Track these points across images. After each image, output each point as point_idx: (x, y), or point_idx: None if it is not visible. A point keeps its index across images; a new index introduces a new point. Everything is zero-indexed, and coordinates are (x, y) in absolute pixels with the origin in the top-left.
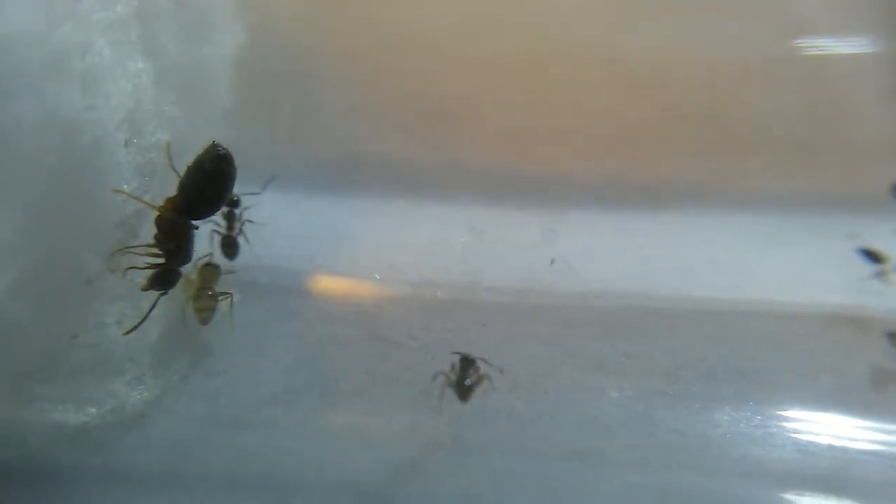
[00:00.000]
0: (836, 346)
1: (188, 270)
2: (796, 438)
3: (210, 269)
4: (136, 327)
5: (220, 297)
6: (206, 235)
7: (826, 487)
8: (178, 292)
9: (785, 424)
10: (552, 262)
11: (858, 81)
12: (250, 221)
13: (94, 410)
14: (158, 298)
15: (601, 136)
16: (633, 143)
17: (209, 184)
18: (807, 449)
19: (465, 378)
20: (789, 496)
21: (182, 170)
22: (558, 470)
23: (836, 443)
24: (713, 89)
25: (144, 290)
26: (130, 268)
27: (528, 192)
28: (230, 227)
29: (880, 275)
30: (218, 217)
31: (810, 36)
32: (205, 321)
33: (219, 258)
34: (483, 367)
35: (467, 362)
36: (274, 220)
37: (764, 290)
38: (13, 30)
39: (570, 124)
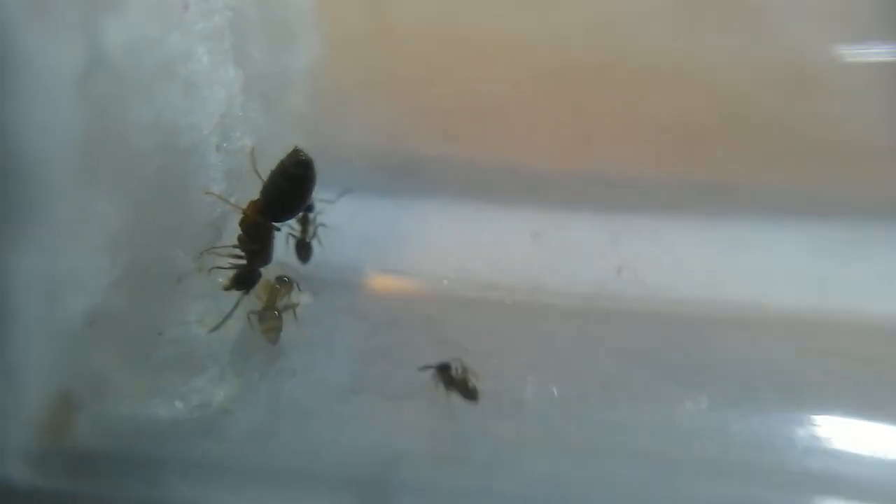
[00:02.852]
0: None
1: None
2: (886, 458)
3: (282, 284)
4: (220, 325)
5: (285, 312)
6: (280, 239)
7: None
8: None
9: (871, 442)
10: (619, 271)
11: None
12: (323, 225)
13: (180, 405)
14: (241, 298)
15: (668, 141)
16: (702, 149)
17: (292, 188)
18: None
19: (464, 381)
20: None
21: (265, 174)
22: (626, 474)
23: None
24: (784, 94)
25: (227, 289)
26: (215, 267)
27: (592, 198)
28: (304, 231)
29: None
30: (292, 221)
31: (881, 42)
32: (273, 341)
33: (292, 261)
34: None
35: (445, 370)
36: (344, 223)
37: (842, 302)
38: (136, 34)
39: (635, 128)
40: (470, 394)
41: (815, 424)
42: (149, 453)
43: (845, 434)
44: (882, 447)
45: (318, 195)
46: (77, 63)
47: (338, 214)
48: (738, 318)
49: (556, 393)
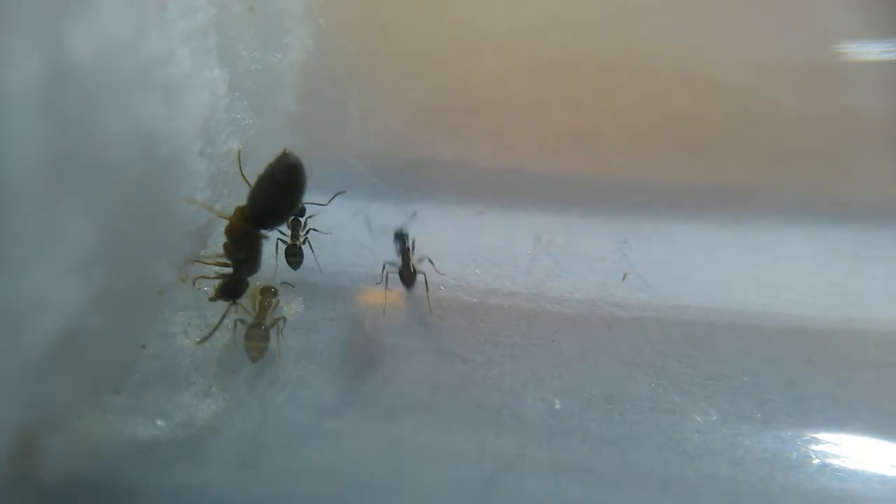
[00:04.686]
0: None
1: (243, 298)
2: None
3: (270, 294)
4: (207, 337)
5: (272, 327)
6: (269, 244)
7: None
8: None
9: (891, 457)
10: (625, 276)
11: None
12: (315, 230)
13: (163, 424)
14: (228, 308)
15: (678, 141)
16: (712, 149)
17: (280, 193)
18: None
19: (409, 261)
20: None
21: (252, 178)
22: (631, 494)
23: None
24: (801, 91)
25: (213, 300)
26: (199, 277)
27: (598, 200)
28: (295, 236)
29: None
30: (282, 226)
31: None
32: (255, 360)
33: (282, 267)
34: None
35: (402, 238)
36: (337, 227)
37: (858, 309)
38: (108, 40)
39: (643, 128)
40: (408, 277)
41: (832, 439)
42: (126, 480)
43: (864, 450)
44: None
45: (310, 197)
46: (39, 75)
47: (330, 217)
48: (749, 325)
49: (558, 405)
